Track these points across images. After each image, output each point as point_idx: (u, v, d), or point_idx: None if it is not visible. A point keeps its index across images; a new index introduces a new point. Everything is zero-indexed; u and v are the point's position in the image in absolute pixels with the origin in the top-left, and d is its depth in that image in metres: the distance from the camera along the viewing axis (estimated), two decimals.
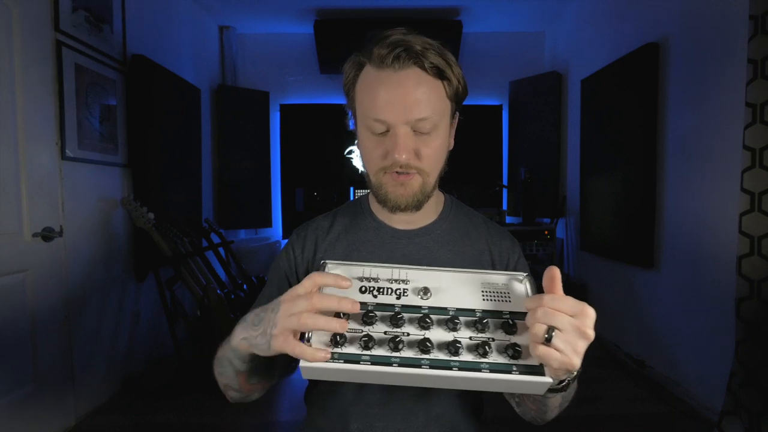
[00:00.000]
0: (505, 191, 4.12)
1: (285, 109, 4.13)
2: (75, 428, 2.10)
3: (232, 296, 2.58)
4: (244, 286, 2.82)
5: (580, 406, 2.23)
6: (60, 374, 2.05)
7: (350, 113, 0.78)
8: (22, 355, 1.87)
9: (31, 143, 1.88)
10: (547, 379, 0.52)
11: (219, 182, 3.82)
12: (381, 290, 0.61)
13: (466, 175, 4.01)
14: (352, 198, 3.33)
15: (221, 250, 3.07)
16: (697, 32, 2.18)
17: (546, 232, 3.41)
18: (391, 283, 0.62)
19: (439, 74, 0.69)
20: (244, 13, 3.72)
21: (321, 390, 0.81)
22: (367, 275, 0.63)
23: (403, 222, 0.81)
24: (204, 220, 3.23)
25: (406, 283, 0.62)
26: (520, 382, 0.52)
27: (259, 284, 2.92)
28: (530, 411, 0.71)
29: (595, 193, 3.13)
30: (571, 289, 3.36)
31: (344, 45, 3.72)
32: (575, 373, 0.58)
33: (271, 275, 0.83)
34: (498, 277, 0.64)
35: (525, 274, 0.64)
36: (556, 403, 0.66)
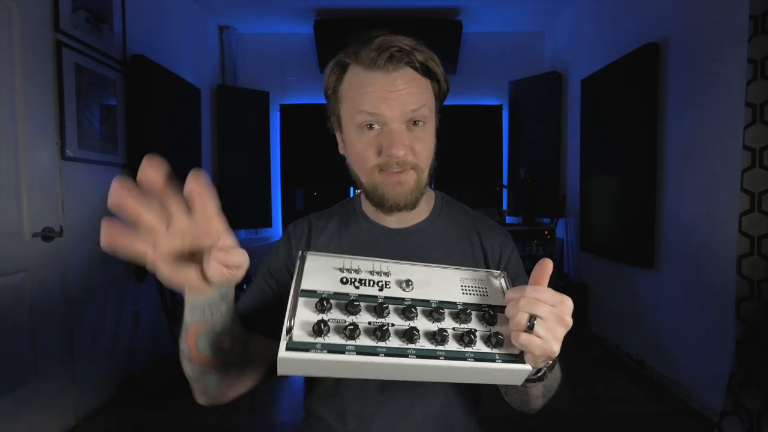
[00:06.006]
0: (505, 191, 4.12)
1: (285, 109, 4.13)
2: (75, 428, 2.09)
3: None
4: (244, 286, 2.81)
5: (580, 405, 2.24)
6: (60, 374, 2.05)
7: (331, 119, 0.78)
8: (22, 354, 1.87)
9: (31, 143, 1.88)
10: (527, 367, 0.53)
11: (219, 182, 3.82)
12: (363, 282, 0.60)
13: (466, 175, 4.01)
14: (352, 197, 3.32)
15: None
16: (697, 32, 2.18)
17: (546, 232, 3.41)
18: (373, 275, 0.62)
19: (428, 73, 0.71)
20: (244, 13, 3.72)
21: (319, 392, 0.81)
22: (347, 267, 0.62)
23: (395, 221, 0.80)
24: None
25: (388, 276, 0.62)
26: (501, 370, 0.53)
27: None
28: (515, 400, 0.72)
29: (595, 193, 3.13)
30: (571, 289, 3.36)
31: (344, 45, 3.72)
32: (551, 362, 0.61)
33: (264, 266, 0.81)
34: (476, 273, 0.65)
35: (500, 272, 0.66)
36: (539, 393, 0.67)
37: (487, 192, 4.02)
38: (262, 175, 4.02)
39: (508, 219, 3.85)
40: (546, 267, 0.54)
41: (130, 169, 2.56)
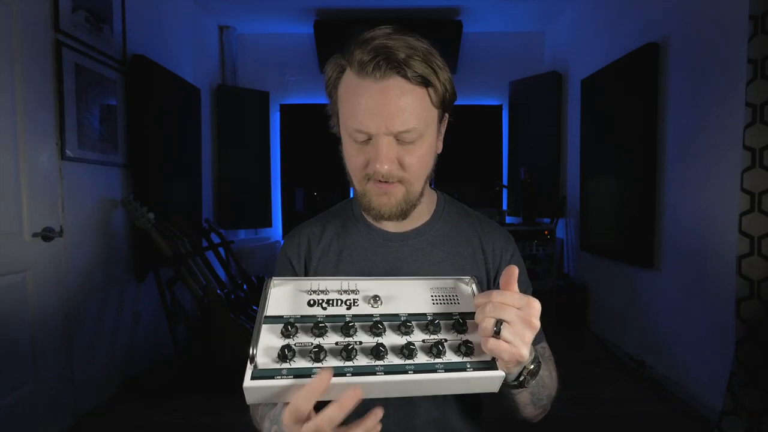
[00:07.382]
0: (505, 191, 4.12)
1: (285, 109, 4.13)
2: (75, 428, 2.09)
3: (232, 296, 2.57)
4: (244, 286, 2.82)
5: (580, 405, 2.24)
6: (60, 374, 2.05)
7: (333, 118, 0.77)
8: (22, 355, 1.87)
9: (31, 143, 1.88)
10: (500, 373, 0.53)
11: (219, 182, 3.82)
12: (330, 302, 0.60)
13: (466, 175, 4.01)
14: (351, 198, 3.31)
15: (221, 250, 3.07)
16: (697, 32, 2.18)
17: (546, 232, 3.41)
18: (341, 294, 0.62)
19: (424, 82, 0.65)
20: (244, 13, 3.72)
21: None
22: (315, 288, 0.62)
23: (394, 225, 0.79)
24: (204, 220, 3.22)
25: (356, 293, 0.62)
26: (474, 379, 0.52)
27: (258, 284, 2.91)
28: (506, 407, 0.71)
29: (595, 193, 3.13)
30: (571, 289, 3.37)
31: (344, 45, 3.72)
32: (531, 367, 0.59)
33: None
34: (446, 281, 0.65)
35: (470, 277, 0.64)
36: (526, 400, 0.65)
37: (487, 192, 4.02)
38: (262, 175, 4.02)
39: (508, 219, 3.85)
40: (512, 272, 0.54)
41: (130, 169, 2.56)
